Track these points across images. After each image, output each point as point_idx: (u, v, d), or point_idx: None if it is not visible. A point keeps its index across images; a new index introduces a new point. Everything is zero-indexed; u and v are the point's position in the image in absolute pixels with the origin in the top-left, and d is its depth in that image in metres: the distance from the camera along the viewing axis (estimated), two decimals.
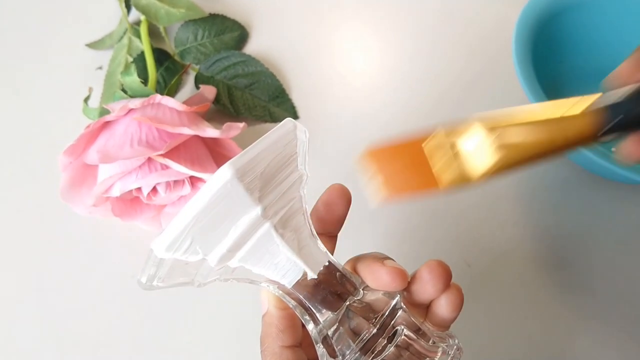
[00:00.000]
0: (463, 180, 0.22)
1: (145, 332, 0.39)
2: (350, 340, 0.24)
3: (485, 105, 0.47)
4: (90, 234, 0.42)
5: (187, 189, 0.39)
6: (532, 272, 0.40)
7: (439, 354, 0.24)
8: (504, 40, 0.44)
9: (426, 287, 0.24)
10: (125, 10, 0.49)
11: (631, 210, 0.42)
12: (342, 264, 0.26)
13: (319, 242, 0.25)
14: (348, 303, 0.24)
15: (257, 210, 0.22)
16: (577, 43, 0.46)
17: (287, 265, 0.24)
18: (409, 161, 0.22)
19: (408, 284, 0.25)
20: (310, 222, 0.25)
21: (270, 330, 0.25)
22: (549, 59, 0.44)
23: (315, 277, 0.24)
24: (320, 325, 0.24)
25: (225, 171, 0.21)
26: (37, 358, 0.39)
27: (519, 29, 0.41)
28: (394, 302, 0.24)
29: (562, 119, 0.21)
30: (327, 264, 0.24)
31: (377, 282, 0.25)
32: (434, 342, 0.24)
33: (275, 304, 0.25)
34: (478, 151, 0.21)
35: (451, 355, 0.24)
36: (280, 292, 0.24)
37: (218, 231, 0.22)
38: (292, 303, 0.24)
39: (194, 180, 0.39)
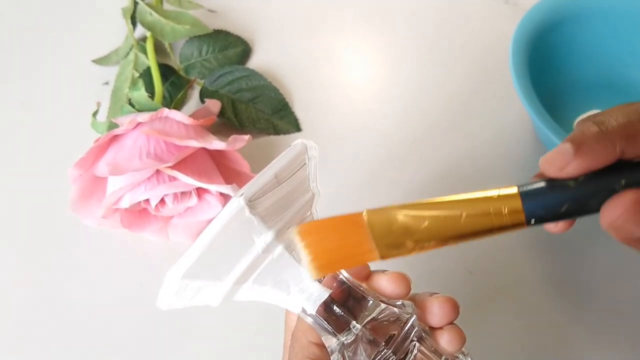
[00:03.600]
0: (400, 253, 0.23)
1: (153, 341, 0.40)
2: (366, 355, 0.24)
3: (484, 116, 0.48)
4: (100, 245, 0.43)
5: (194, 200, 0.39)
6: (534, 279, 0.41)
7: None
8: (502, 53, 0.45)
9: (431, 319, 0.25)
10: (131, 26, 0.51)
11: None
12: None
13: None
14: (366, 320, 0.25)
15: (270, 235, 0.23)
16: (574, 55, 0.46)
17: (304, 288, 0.24)
18: (343, 235, 0.23)
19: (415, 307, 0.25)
20: None
21: (304, 325, 0.26)
22: (546, 71, 0.44)
23: (327, 295, 0.24)
24: (337, 339, 0.24)
25: (238, 199, 0.22)
26: None
27: (516, 41, 0.41)
28: (411, 320, 0.24)
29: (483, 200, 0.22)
30: (344, 284, 0.25)
31: (381, 291, 0.25)
32: None
33: None
34: (410, 229, 0.22)
35: None
36: (299, 311, 0.25)
37: (232, 256, 0.23)
38: (309, 320, 0.25)
39: (200, 192, 0.40)
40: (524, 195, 0.22)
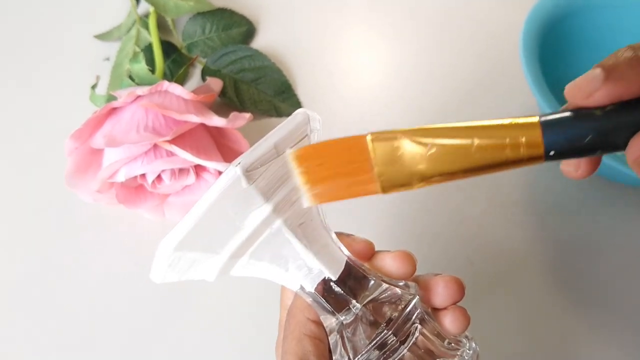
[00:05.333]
0: (402, 185, 0.21)
1: (149, 318, 0.39)
2: (365, 336, 0.23)
3: (491, 106, 0.47)
4: (95, 221, 0.42)
5: (191, 178, 0.39)
6: (536, 271, 0.40)
7: (456, 358, 0.23)
8: (511, 42, 0.45)
9: (435, 299, 0.24)
10: (134, 1, 0.50)
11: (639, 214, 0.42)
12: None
13: (335, 239, 0.24)
14: (367, 300, 0.24)
15: (268, 208, 0.22)
16: (584, 46, 0.46)
17: (302, 265, 0.23)
18: (343, 161, 0.21)
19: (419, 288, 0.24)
20: (325, 219, 0.24)
21: (301, 302, 0.24)
22: (556, 62, 0.44)
23: (334, 277, 0.23)
24: (336, 318, 0.24)
25: (234, 168, 0.21)
26: (41, 343, 0.38)
27: (526, 32, 0.41)
28: (413, 301, 0.23)
29: (504, 127, 0.20)
30: (345, 263, 0.24)
31: (385, 270, 0.24)
32: (450, 344, 0.24)
33: None
34: (416, 158, 0.20)
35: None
36: (297, 289, 0.24)
37: (228, 228, 0.22)
38: (308, 299, 0.24)
39: (198, 170, 0.39)
40: (545, 124, 0.19)
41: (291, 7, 0.54)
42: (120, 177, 0.36)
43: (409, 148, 0.20)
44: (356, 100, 0.48)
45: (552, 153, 0.19)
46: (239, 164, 0.21)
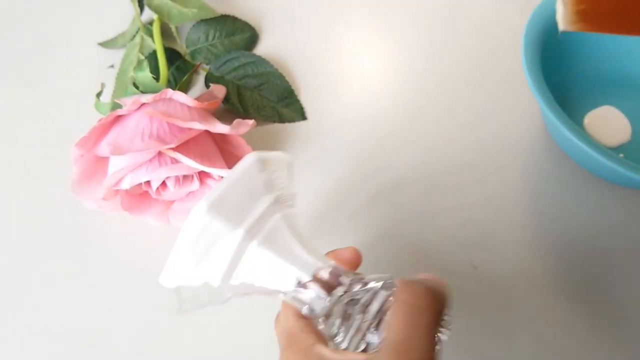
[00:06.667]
0: None
1: (152, 326, 0.39)
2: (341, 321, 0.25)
3: (493, 109, 0.47)
4: (99, 230, 0.43)
5: (195, 184, 0.39)
6: (539, 275, 0.40)
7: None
8: (513, 46, 0.45)
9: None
10: (138, 9, 0.50)
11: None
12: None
13: (307, 249, 0.27)
14: (340, 294, 0.26)
15: (240, 233, 0.25)
16: (585, 49, 0.46)
17: (283, 274, 0.26)
18: None
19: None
20: (299, 233, 0.27)
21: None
22: (557, 65, 0.44)
23: (310, 278, 0.26)
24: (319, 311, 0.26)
25: (202, 205, 0.24)
26: (45, 349, 0.39)
27: (528, 35, 0.41)
28: (383, 293, 0.25)
29: None
30: (321, 267, 0.26)
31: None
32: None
33: None
34: None
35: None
36: (290, 298, 0.26)
37: (212, 257, 0.25)
38: (299, 306, 0.26)
39: (202, 177, 0.39)
40: None
41: (293, 14, 0.54)
42: (125, 185, 0.36)
43: None
44: (358, 105, 0.48)
45: None
46: (204, 201, 0.24)
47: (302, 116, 0.48)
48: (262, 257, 0.25)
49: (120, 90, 0.48)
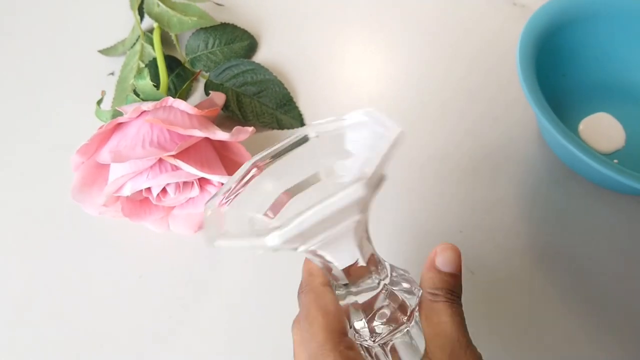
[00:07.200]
0: None
1: (152, 332, 0.40)
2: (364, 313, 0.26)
3: (489, 116, 0.48)
4: (99, 235, 0.43)
5: (196, 191, 0.39)
6: (537, 280, 0.40)
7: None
8: (510, 54, 0.45)
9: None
10: (138, 17, 0.51)
11: (635, 221, 0.43)
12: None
13: (369, 235, 0.27)
14: (380, 282, 0.26)
15: (358, 216, 0.23)
16: (581, 57, 0.46)
17: (346, 252, 0.25)
18: None
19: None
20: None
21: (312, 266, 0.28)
22: (553, 73, 0.44)
23: (365, 264, 0.26)
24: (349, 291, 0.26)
25: (362, 186, 0.21)
26: (45, 356, 0.39)
27: (523, 43, 0.41)
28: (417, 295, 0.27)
29: None
30: (371, 254, 0.27)
31: None
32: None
33: None
34: None
35: None
36: (323, 266, 0.26)
37: (323, 229, 0.23)
38: (329, 275, 0.26)
39: (202, 183, 0.40)
40: None
41: (292, 22, 0.55)
42: (126, 192, 0.36)
43: None
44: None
45: None
46: (364, 182, 0.22)
47: (301, 122, 0.48)
48: (346, 234, 0.24)
49: (120, 97, 0.48)
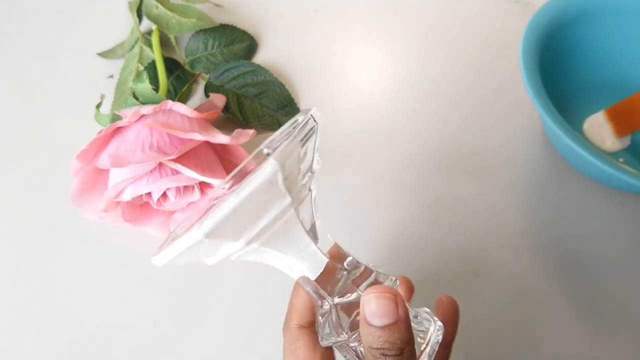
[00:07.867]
0: None
1: (154, 338, 0.39)
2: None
3: (492, 116, 0.47)
4: (100, 241, 0.43)
5: (196, 195, 0.39)
6: (541, 282, 0.40)
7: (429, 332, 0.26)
8: (513, 52, 0.45)
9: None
10: (137, 19, 0.50)
11: None
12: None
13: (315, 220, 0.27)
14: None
15: (288, 200, 0.23)
16: (584, 55, 0.46)
17: (295, 241, 0.25)
18: None
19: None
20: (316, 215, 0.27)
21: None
22: (556, 71, 0.44)
23: (327, 257, 0.26)
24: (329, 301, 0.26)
25: (272, 164, 0.22)
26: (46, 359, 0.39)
27: (526, 41, 0.41)
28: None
29: None
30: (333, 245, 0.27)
31: None
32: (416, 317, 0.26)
33: None
34: None
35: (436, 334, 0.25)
36: (299, 280, 0.26)
37: (253, 217, 0.23)
38: (306, 288, 0.26)
39: (203, 187, 0.39)
40: None
41: (292, 22, 0.54)
42: (126, 197, 0.36)
43: None
44: (358, 113, 0.48)
45: None
46: (274, 161, 0.22)
47: None
48: (292, 228, 0.25)
49: (119, 100, 0.48)
